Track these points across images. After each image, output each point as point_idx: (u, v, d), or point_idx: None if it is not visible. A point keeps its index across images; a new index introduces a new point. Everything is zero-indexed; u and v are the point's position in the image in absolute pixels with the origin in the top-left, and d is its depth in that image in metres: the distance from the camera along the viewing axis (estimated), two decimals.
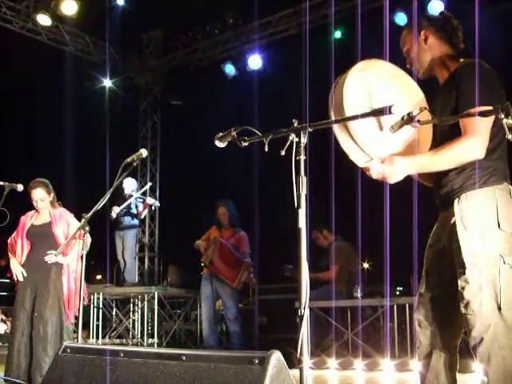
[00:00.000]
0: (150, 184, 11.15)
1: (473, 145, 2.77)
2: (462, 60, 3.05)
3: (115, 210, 9.63)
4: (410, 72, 3.17)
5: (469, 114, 2.60)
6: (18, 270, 6.05)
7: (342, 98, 2.81)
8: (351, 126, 2.78)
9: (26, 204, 6.33)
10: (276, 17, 11.27)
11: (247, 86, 11.08)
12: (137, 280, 10.57)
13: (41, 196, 6.22)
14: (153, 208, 10.22)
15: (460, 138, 2.79)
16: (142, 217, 10.58)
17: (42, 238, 6.15)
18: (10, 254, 6.28)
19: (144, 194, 10.38)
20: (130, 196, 9.80)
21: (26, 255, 6.16)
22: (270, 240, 9.29)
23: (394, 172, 2.83)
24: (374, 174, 2.85)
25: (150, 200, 10.16)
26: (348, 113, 2.77)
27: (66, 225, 6.19)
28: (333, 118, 2.87)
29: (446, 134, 2.91)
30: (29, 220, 6.27)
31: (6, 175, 6.03)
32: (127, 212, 10.02)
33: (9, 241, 6.29)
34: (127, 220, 10.07)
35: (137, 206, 10.04)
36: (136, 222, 10.28)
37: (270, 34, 11.56)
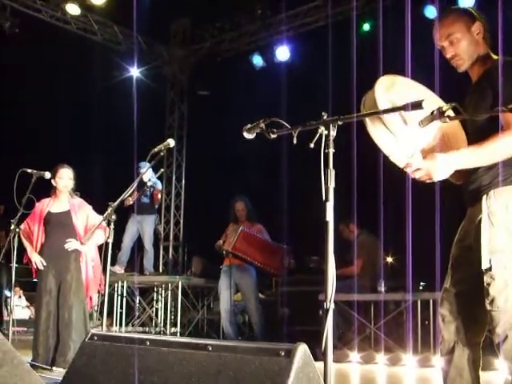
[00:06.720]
0: (162, 170, 11.02)
1: None
2: (495, 58, 3.01)
3: (131, 199, 9.63)
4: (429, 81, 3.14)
5: (499, 110, 2.58)
6: (37, 259, 6.06)
7: (375, 100, 2.80)
8: (388, 120, 2.76)
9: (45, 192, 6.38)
10: (305, 8, 11.22)
11: (275, 78, 11.04)
12: (153, 268, 10.57)
13: (71, 176, 6.27)
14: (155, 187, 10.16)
15: (503, 132, 2.75)
16: (157, 205, 10.60)
17: (60, 225, 6.16)
18: (25, 241, 6.24)
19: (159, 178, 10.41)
20: (145, 183, 9.77)
21: (44, 243, 6.19)
22: (295, 231, 9.25)
23: (437, 168, 2.77)
24: (417, 171, 2.79)
25: (159, 185, 10.26)
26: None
27: (85, 216, 6.23)
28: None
29: (481, 132, 2.86)
30: (45, 207, 6.25)
31: (31, 163, 6.07)
32: (144, 199, 10.07)
33: (22, 227, 6.21)
34: (145, 206, 10.11)
35: (152, 193, 10.07)
36: (154, 208, 10.36)
37: (299, 25, 11.48)
